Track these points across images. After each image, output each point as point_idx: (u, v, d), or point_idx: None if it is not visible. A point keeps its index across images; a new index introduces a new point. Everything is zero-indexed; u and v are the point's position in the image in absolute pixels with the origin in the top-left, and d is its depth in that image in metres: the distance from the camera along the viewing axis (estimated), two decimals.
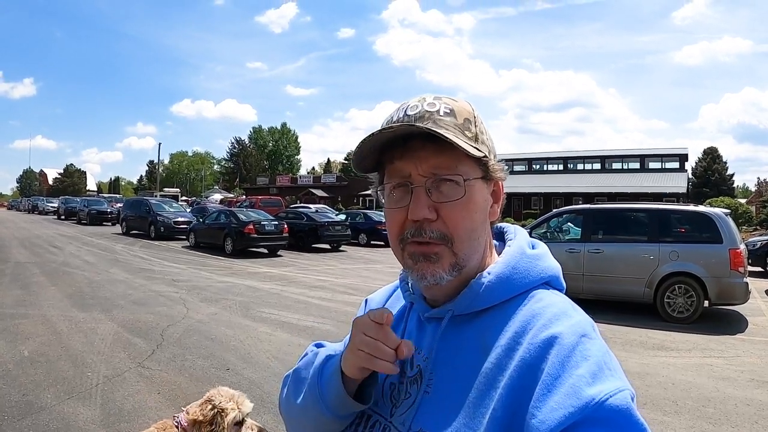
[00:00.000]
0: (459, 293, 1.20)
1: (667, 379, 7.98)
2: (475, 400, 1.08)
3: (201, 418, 2.94)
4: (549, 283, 1.23)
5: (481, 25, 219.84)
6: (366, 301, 1.58)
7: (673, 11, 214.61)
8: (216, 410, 2.97)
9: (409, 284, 1.34)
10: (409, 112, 1.18)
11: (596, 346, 1.04)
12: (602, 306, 12.66)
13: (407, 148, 1.17)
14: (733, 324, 12.01)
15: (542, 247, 1.30)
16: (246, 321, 11.19)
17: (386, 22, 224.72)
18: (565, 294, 1.25)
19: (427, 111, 1.17)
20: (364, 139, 1.17)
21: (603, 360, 1.02)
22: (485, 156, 1.19)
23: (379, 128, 1.17)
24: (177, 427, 2.95)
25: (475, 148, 1.16)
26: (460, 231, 1.16)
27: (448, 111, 1.18)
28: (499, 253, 1.27)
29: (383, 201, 1.25)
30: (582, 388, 0.96)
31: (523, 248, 1.25)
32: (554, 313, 1.10)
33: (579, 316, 1.12)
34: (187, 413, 3.00)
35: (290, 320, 11.35)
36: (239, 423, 3.02)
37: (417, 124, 1.13)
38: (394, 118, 1.20)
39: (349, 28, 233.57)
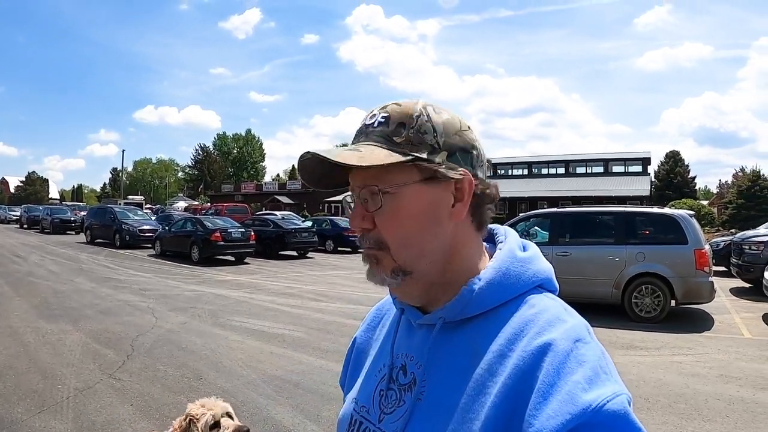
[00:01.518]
0: (450, 299, 1.18)
1: (638, 377, 8.08)
2: (466, 406, 1.06)
3: (179, 429, 2.98)
4: (542, 286, 1.22)
5: (445, 31, 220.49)
6: (354, 340, 1.54)
7: (636, 18, 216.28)
8: (189, 418, 3.00)
9: None
10: (366, 122, 1.21)
11: (591, 350, 1.04)
12: (572, 308, 12.66)
13: None
14: (700, 322, 12.23)
15: (533, 249, 1.28)
16: (216, 329, 11.14)
17: (350, 28, 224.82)
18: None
19: (365, 125, 1.20)
20: (299, 163, 1.22)
21: (599, 364, 1.01)
22: (415, 158, 1.14)
23: (300, 156, 1.20)
24: None
25: (400, 153, 1.13)
26: (391, 239, 1.16)
27: (383, 120, 1.18)
28: (490, 256, 1.25)
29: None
30: (578, 395, 0.95)
31: (513, 251, 1.23)
32: (547, 319, 1.09)
33: (573, 320, 1.11)
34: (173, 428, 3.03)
35: (261, 328, 11.32)
36: (215, 425, 3.03)
37: (320, 153, 1.14)
38: (303, 153, 1.20)
39: (313, 34, 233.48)
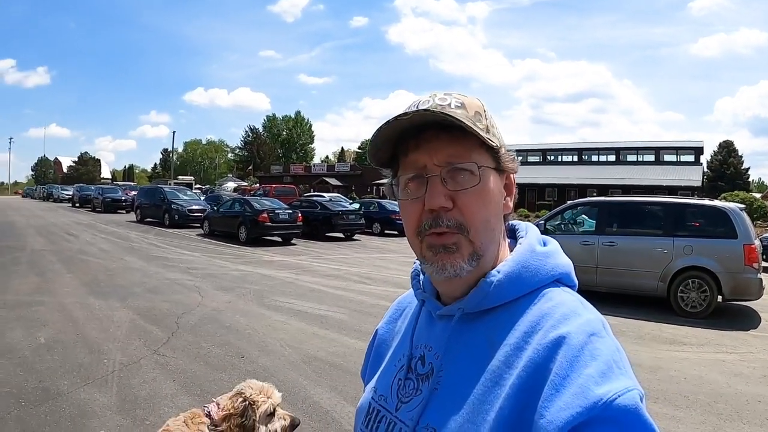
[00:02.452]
0: (470, 290, 1.19)
1: (680, 373, 7.95)
2: (481, 397, 1.08)
3: (232, 410, 2.98)
4: (560, 280, 1.22)
5: (494, 14, 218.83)
6: (375, 331, 1.57)
7: (690, 2, 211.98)
8: (247, 402, 3.01)
9: (420, 281, 1.36)
10: (421, 107, 1.17)
11: (606, 344, 1.04)
12: (616, 300, 12.62)
13: (421, 139, 1.17)
14: (747, 320, 11.92)
15: (553, 244, 1.28)
16: (261, 309, 11.24)
17: (399, 11, 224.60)
18: (579, 288, 1.25)
19: (438, 104, 1.16)
20: (379, 129, 1.17)
21: (612, 359, 1.01)
22: (498, 146, 1.20)
23: (394, 116, 1.16)
24: (208, 417, 2.97)
25: (485, 134, 1.16)
26: (475, 220, 1.15)
27: (459, 104, 1.18)
28: (510, 251, 1.26)
29: (397, 195, 1.24)
30: (590, 388, 0.96)
31: (533, 246, 1.24)
32: (563, 313, 1.10)
33: (589, 314, 1.11)
34: (218, 405, 3.03)
35: (304, 309, 11.38)
36: (270, 414, 3.07)
37: (433, 110, 1.13)
38: (401, 113, 1.17)
39: (361, 17, 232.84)
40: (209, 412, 2.99)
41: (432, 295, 1.30)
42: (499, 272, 1.17)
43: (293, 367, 7.65)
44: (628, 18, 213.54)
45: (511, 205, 1.25)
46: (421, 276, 1.37)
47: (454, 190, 1.15)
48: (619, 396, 0.94)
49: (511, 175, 1.26)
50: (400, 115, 1.15)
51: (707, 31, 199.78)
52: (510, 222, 1.34)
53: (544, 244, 1.27)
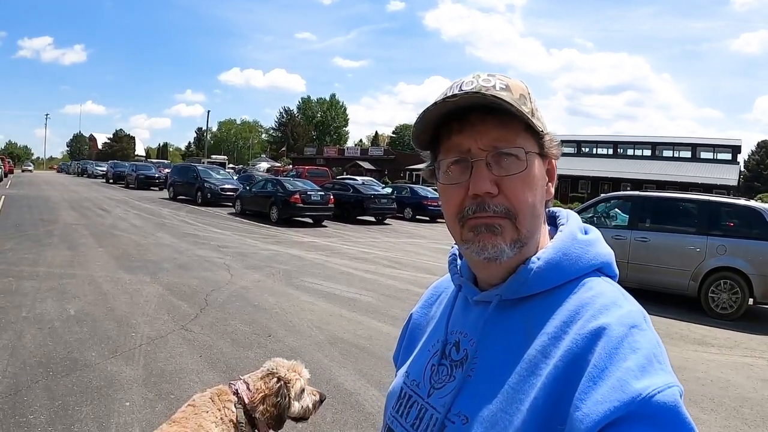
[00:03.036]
0: (508, 277, 1.17)
1: (706, 375, 7.84)
2: (516, 386, 1.06)
3: (267, 390, 2.97)
4: (601, 270, 1.19)
5: (533, 2, 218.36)
6: (410, 315, 1.56)
7: None
8: (281, 382, 3.01)
9: (458, 266, 1.35)
10: (465, 88, 1.13)
11: (646, 337, 1.01)
12: (645, 296, 12.30)
13: (466, 121, 1.14)
14: None
15: (594, 233, 1.26)
16: (289, 289, 11.26)
17: None
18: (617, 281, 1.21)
19: (483, 86, 1.12)
20: (426, 110, 1.14)
21: (653, 353, 0.99)
22: (542, 131, 1.17)
23: (442, 98, 1.13)
24: (235, 395, 2.96)
25: (530, 117, 1.12)
26: (523, 205, 1.13)
27: (504, 86, 1.13)
28: (551, 238, 1.23)
29: (438, 178, 1.21)
30: (629, 382, 0.93)
31: (574, 233, 1.22)
32: (604, 303, 1.07)
33: (630, 306, 1.08)
34: (246, 384, 3.02)
35: (333, 291, 11.39)
36: (302, 391, 3.09)
37: (484, 92, 1.10)
38: (448, 95, 1.14)
39: (399, 1, 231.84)
40: (237, 390, 2.98)
41: (469, 280, 1.29)
42: (539, 259, 1.15)
43: (319, 348, 7.65)
44: (669, 11, 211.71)
45: (552, 191, 1.22)
46: (459, 261, 1.36)
47: (499, 175, 1.12)
48: (658, 392, 0.92)
49: (553, 161, 1.23)
50: (448, 97, 1.12)
51: (749, 27, 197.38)
52: (550, 209, 1.32)
53: (586, 233, 1.25)
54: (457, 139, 1.15)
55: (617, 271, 1.22)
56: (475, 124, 1.13)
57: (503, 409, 1.05)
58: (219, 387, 3.05)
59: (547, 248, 1.18)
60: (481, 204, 1.12)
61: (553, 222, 1.30)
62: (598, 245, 1.22)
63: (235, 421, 2.87)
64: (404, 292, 11.72)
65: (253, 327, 8.37)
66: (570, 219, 1.27)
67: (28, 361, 6.38)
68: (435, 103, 1.13)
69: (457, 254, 1.37)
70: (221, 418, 2.85)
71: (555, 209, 1.33)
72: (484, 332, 1.18)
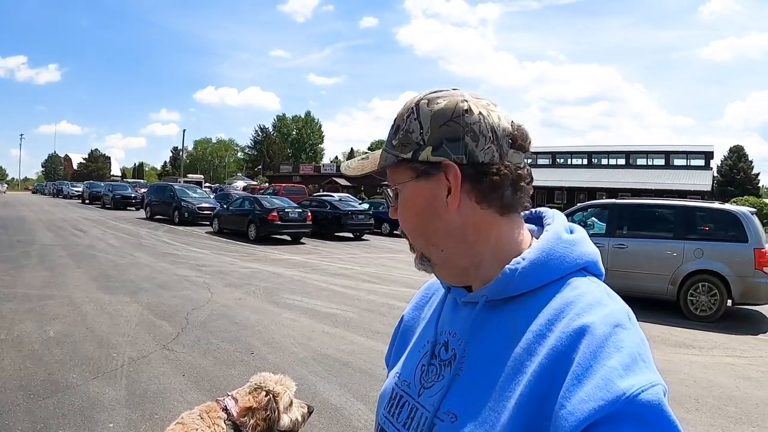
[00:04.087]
0: (493, 277, 1.17)
1: (689, 376, 7.91)
2: (502, 384, 1.06)
3: (256, 404, 2.98)
4: (586, 269, 1.19)
5: (506, 16, 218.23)
6: (401, 317, 1.56)
7: (701, 6, 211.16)
8: (270, 395, 3.02)
9: None
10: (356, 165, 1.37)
11: (630, 336, 1.01)
12: (626, 301, 12.44)
13: None
14: (756, 324, 11.93)
15: (580, 232, 1.25)
16: (270, 306, 11.23)
17: (409, 12, 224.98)
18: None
19: (360, 165, 1.34)
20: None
21: (637, 351, 0.99)
22: (400, 160, 1.19)
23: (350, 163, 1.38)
24: (224, 411, 2.95)
25: (393, 155, 1.20)
26: (405, 230, 1.25)
27: (392, 124, 1.25)
28: (537, 238, 1.23)
29: None
30: (613, 381, 0.93)
31: (559, 233, 1.21)
32: (588, 302, 1.07)
33: (614, 305, 1.09)
34: (234, 400, 3.01)
35: (314, 307, 11.36)
36: (290, 404, 3.08)
37: (347, 170, 1.36)
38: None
39: (372, 17, 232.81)
40: (226, 406, 2.97)
41: None
42: (524, 259, 1.15)
43: (303, 363, 7.62)
44: (639, 21, 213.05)
45: (455, 201, 1.16)
46: None
47: (391, 206, 1.27)
48: (642, 391, 0.92)
49: (450, 170, 1.15)
50: (349, 167, 1.37)
51: (718, 35, 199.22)
52: (538, 209, 1.32)
53: (571, 232, 1.24)
54: None
55: (603, 270, 1.23)
56: None
57: (491, 407, 1.06)
58: (207, 404, 3.04)
59: (531, 248, 1.18)
60: None
61: (539, 222, 1.31)
62: (583, 244, 1.21)
63: None
64: (384, 306, 11.70)
65: (235, 345, 8.33)
66: (555, 219, 1.27)
67: (8, 384, 6.31)
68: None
69: None
70: None
71: (541, 209, 1.33)
72: (472, 332, 1.18)
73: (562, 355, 1.01)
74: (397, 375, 1.36)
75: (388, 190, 1.25)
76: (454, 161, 1.13)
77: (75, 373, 6.75)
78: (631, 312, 1.09)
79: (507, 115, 1.18)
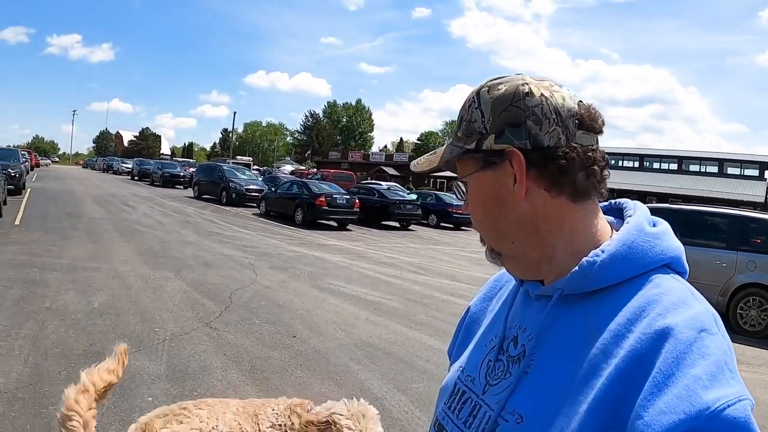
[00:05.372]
0: (569, 271, 1.09)
1: None
2: (575, 386, 0.99)
3: (315, 420, 2.65)
4: (669, 266, 1.11)
5: (559, 12, 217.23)
6: (467, 308, 1.49)
7: (760, 11, 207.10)
8: (335, 427, 2.60)
9: None
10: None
11: (717, 342, 0.93)
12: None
13: None
14: None
15: (664, 225, 1.17)
16: (314, 291, 11.19)
17: (463, 4, 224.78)
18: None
19: (429, 159, 1.30)
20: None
21: (723, 359, 0.91)
22: (464, 151, 1.15)
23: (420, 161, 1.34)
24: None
25: (458, 147, 1.16)
26: (475, 223, 1.21)
27: (458, 116, 1.21)
28: (617, 230, 1.14)
29: None
30: (697, 392, 0.86)
31: (642, 225, 1.12)
32: (672, 302, 0.99)
33: (700, 306, 1.00)
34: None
35: (358, 294, 11.31)
36: None
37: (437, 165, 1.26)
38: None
39: (425, 8, 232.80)
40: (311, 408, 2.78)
41: None
42: (603, 251, 1.07)
43: (345, 350, 7.54)
44: (696, 24, 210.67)
45: (521, 189, 1.09)
46: None
47: (462, 199, 1.24)
48: (728, 406, 0.84)
49: (513, 157, 1.08)
50: (419, 163, 1.34)
51: None
52: (618, 200, 1.26)
53: (654, 225, 1.16)
54: None
55: (687, 268, 1.14)
56: None
57: (560, 410, 0.99)
58: (299, 402, 2.86)
59: (611, 240, 1.10)
60: None
61: (620, 214, 1.23)
62: (667, 238, 1.14)
63: None
64: (429, 297, 11.59)
65: (277, 327, 8.28)
66: (637, 210, 1.19)
67: (49, 352, 6.34)
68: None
69: None
70: None
71: (622, 200, 1.26)
72: (544, 328, 1.11)
73: (642, 358, 0.93)
74: (461, 369, 1.29)
75: (459, 183, 1.21)
76: (518, 147, 1.07)
77: (116, 345, 6.71)
78: (718, 316, 1.01)
79: (573, 95, 1.12)
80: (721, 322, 0.99)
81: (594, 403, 0.94)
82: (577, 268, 1.08)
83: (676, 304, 0.99)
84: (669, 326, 0.94)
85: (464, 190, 1.20)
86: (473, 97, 1.15)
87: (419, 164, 1.31)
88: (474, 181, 1.16)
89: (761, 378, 8.60)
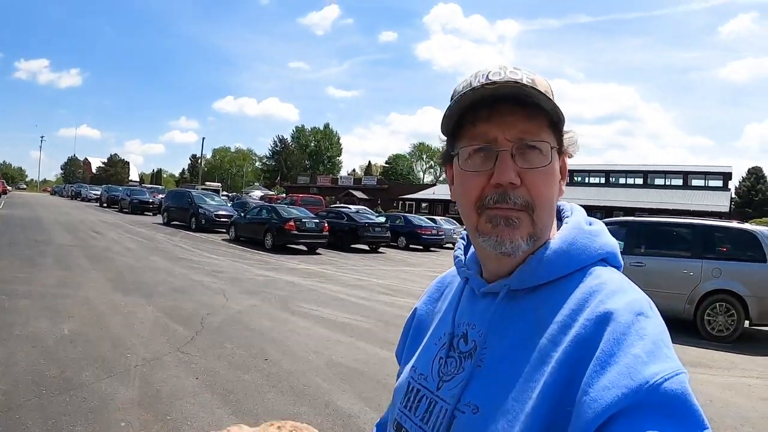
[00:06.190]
0: (516, 268, 1.17)
1: (705, 396, 7.79)
2: (526, 374, 1.05)
3: None
4: (606, 260, 1.19)
5: (524, 34, 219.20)
6: (414, 310, 1.56)
7: (719, 26, 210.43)
8: None
9: (464, 260, 1.35)
10: (492, 77, 1.13)
11: (653, 324, 1.01)
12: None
13: (495, 110, 1.13)
14: None
15: (600, 224, 1.26)
16: (285, 314, 11.18)
17: (428, 27, 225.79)
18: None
19: (511, 78, 1.12)
20: (463, 95, 1.13)
21: (660, 339, 0.98)
22: (565, 128, 1.19)
23: (480, 83, 1.13)
24: None
25: (562, 113, 1.14)
26: (542, 199, 1.14)
27: (530, 81, 1.13)
28: (557, 230, 1.23)
29: (459, 164, 1.19)
30: (637, 368, 0.92)
31: (580, 224, 1.22)
32: (611, 290, 1.07)
33: (636, 293, 1.08)
34: None
35: (329, 316, 11.32)
36: None
37: (527, 84, 1.10)
38: (474, 84, 1.14)
39: (391, 32, 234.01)
40: None
41: (476, 272, 1.29)
42: (547, 248, 1.16)
43: (317, 371, 7.56)
44: (658, 42, 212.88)
45: (564, 188, 1.23)
46: (462, 256, 1.36)
47: (523, 167, 1.12)
48: (666, 379, 0.91)
49: (566, 159, 1.23)
50: (486, 84, 1.12)
51: (736, 55, 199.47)
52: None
53: (590, 224, 1.25)
54: (484, 127, 1.14)
55: (622, 262, 1.23)
56: (504, 113, 1.12)
57: (514, 397, 1.04)
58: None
59: (554, 238, 1.18)
60: (503, 194, 1.11)
61: (557, 215, 1.29)
62: (604, 235, 1.22)
63: None
64: (400, 318, 11.54)
65: (249, 350, 8.28)
66: (575, 211, 1.28)
67: (21, 380, 6.28)
68: (473, 88, 1.12)
69: (463, 246, 1.38)
70: None
71: (559, 203, 1.31)
72: (493, 323, 1.17)
73: (586, 341, 1.00)
74: (413, 368, 1.33)
75: (535, 145, 1.12)
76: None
77: (88, 372, 6.71)
78: (651, 301, 1.07)
79: None
80: (655, 307, 1.06)
81: (545, 386, 1.00)
82: (524, 264, 1.15)
83: (615, 291, 1.06)
84: (609, 311, 1.01)
85: (531, 154, 1.13)
86: (552, 88, 1.19)
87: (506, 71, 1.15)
88: (556, 156, 1.16)
89: (731, 381, 8.81)
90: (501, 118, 1.12)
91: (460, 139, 1.18)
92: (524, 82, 1.11)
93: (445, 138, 1.25)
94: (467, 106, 1.14)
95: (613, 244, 1.22)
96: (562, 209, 1.30)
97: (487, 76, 1.14)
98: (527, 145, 1.12)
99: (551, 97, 1.14)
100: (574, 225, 1.21)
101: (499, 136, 1.12)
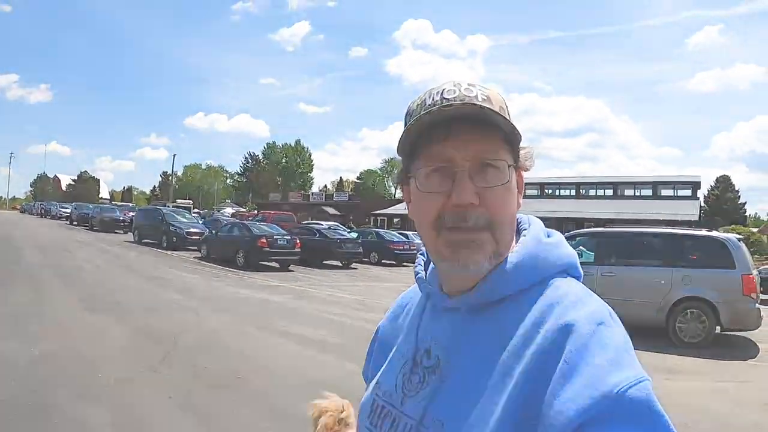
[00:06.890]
0: (477, 283, 1.16)
1: (681, 402, 7.84)
2: (491, 388, 1.05)
3: None
4: (566, 271, 1.20)
5: (494, 49, 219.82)
6: (378, 329, 1.57)
7: (686, 38, 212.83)
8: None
9: (425, 275, 1.34)
10: (447, 96, 1.13)
11: (614, 333, 1.02)
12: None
13: (451, 130, 1.12)
14: (745, 350, 12.02)
15: (558, 236, 1.27)
16: (258, 332, 11.18)
17: (398, 43, 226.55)
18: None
19: (466, 96, 1.12)
20: (420, 117, 1.13)
21: (622, 348, 1.00)
22: (520, 137, 1.18)
23: (438, 105, 1.12)
24: None
25: (517, 132, 1.15)
26: (502, 217, 1.14)
27: (485, 98, 1.14)
28: (516, 243, 1.23)
29: (417, 185, 1.18)
30: (601, 377, 0.93)
31: (539, 236, 1.23)
32: (572, 301, 1.08)
33: (597, 303, 1.09)
34: None
35: (302, 333, 11.31)
36: None
37: (481, 104, 1.10)
38: (429, 103, 1.15)
39: (361, 48, 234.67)
40: None
41: (437, 288, 1.27)
42: (506, 263, 1.16)
43: (291, 388, 7.53)
44: (626, 55, 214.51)
45: (521, 202, 1.23)
46: (423, 272, 1.36)
47: (481, 186, 1.12)
48: (630, 387, 0.92)
49: (522, 173, 1.24)
50: (443, 106, 1.11)
51: (703, 66, 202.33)
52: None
53: (549, 236, 1.26)
54: (440, 147, 1.13)
55: (582, 273, 1.23)
56: (460, 134, 1.12)
57: (478, 412, 1.04)
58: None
59: (513, 253, 1.18)
60: (462, 214, 1.11)
61: (515, 227, 1.29)
62: (562, 247, 1.23)
63: None
64: (373, 333, 11.58)
65: (222, 368, 8.26)
66: (532, 224, 1.28)
67: None
68: (430, 111, 1.11)
69: (423, 264, 1.37)
70: None
71: (517, 215, 1.29)
72: (455, 338, 1.17)
73: (549, 353, 1.01)
74: (377, 385, 1.34)
75: (492, 164, 1.12)
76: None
77: (60, 393, 6.66)
78: (612, 311, 1.09)
79: None
80: (616, 316, 1.07)
81: (509, 400, 1.01)
82: (483, 279, 1.15)
83: (575, 302, 1.07)
84: (570, 322, 1.02)
85: (491, 173, 1.13)
86: (507, 103, 1.19)
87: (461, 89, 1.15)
88: (513, 174, 1.16)
89: (706, 386, 8.99)
90: (457, 138, 1.12)
91: (417, 159, 1.18)
92: (479, 100, 1.12)
93: (400, 158, 1.25)
94: (424, 127, 1.14)
95: (572, 255, 1.23)
96: (520, 222, 1.29)
97: (442, 94, 1.14)
98: (485, 163, 1.12)
99: (506, 115, 1.15)
100: (533, 237, 1.21)
101: (456, 156, 1.12)
